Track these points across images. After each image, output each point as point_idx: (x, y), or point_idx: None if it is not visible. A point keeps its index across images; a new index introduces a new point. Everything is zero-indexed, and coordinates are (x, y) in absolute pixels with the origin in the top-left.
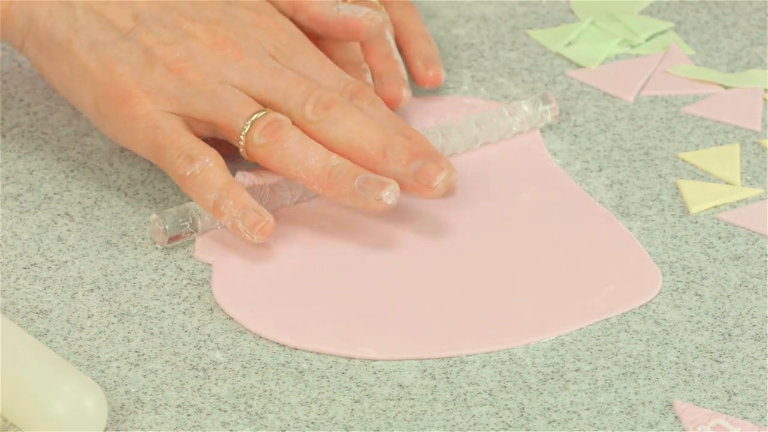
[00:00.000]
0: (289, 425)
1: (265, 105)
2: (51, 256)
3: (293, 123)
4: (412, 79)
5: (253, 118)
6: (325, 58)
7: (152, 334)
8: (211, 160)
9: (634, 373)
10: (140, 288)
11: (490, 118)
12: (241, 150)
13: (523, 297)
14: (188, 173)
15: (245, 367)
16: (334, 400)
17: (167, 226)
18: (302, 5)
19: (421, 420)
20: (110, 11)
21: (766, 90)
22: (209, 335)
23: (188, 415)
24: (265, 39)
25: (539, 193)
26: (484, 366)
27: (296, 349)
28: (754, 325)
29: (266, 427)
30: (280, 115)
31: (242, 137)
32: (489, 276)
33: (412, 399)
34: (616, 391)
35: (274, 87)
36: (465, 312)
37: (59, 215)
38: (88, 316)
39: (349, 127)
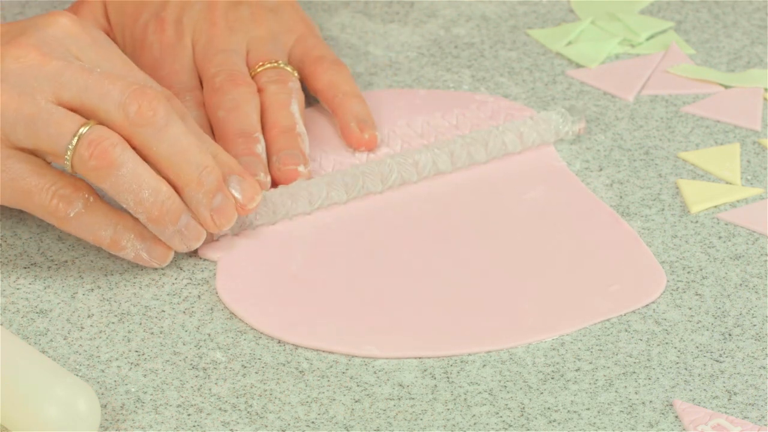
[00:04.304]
0: (289, 425)
1: (82, 111)
2: (51, 256)
3: (113, 126)
4: (346, 141)
5: (74, 140)
6: (131, 63)
7: (152, 333)
8: (89, 194)
9: (634, 372)
10: (140, 288)
11: (517, 131)
12: (67, 168)
13: (528, 295)
14: (72, 214)
15: (245, 367)
16: (334, 399)
17: None
18: None
19: (421, 420)
20: None
21: (766, 89)
22: (209, 335)
23: (188, 415)
24: (68, 40)
25: (546, 192)
26: (484, 366)
27: (299, 347)
28: (755, 325)
29: (266, 426)
30: (104, 130)
31: (68, 157)
32: (493, 274)
33: (413, 399)
34: (616, 391)
35: (86, 87)
36: (469, 310)
37: None
38: (88, 316)
39: (172, 141)
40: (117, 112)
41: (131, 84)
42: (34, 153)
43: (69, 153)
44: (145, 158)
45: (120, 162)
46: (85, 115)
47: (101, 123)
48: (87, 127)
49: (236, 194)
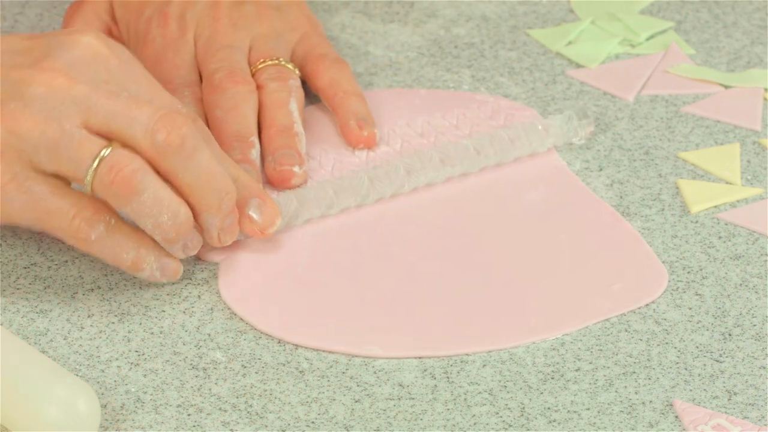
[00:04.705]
0: (289, 425)
1: (109, 136)
2: (51, 256)
3: (139, 151)
4: (345, 138)
5: (100, 155)
6: (157, 83)
7: (152, 333)
8: (111, 217)
9: (634, 372)
10: (140, 287)
11: (525, 135)
12: (87, 191)
13: (530, 295)
14: (94, 237)
15: (245, 367)
16: (334, 399)
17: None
18: None
19: (421, 420)
20: None
21: (766, 89)
22: (209, 335)
23: (188, 415)
24: (95, 63)
25: (547, 191)
26: (484, 366)
27: (299, 346)
28: (755, 325)
29: (266, 426)
30: (126, 153)
31: (88, 180)
32: (495, 274)
33: (413, 399)
34: (616, 391)
35: (113, 112)
36: (471, 310)
37: None
38: (88, 316)
39: (197, 169)
40: (144, 139)
41: (159, 109)
42: (56, 176)
43: (89, 176)
44: (167, 181)
45: (141, 188)
46: (112, 140)
47: (127, 147)
48: (108, 150)
49: (256, 217)
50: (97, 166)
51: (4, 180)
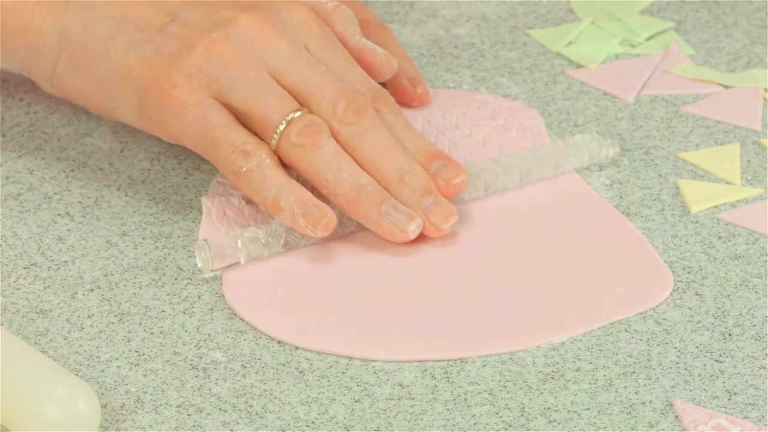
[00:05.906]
0: (289, 425)
1: (295, 95)
2: (51, 256)
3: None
4: (399, 98)
5: (289, 117)
6: (352, 59)
7: (152, 333)
8: (267, 156)
9: (634, 372)
10: (140, 288)
11: (550, 156)
12: (272, 145)
13: (534, 298)
14: (244, 169)
15: (245, 367)
16: (334, 399)
17: (211, 253)
18: (327, 21)
19: (421, 420)
20: (144, 11)
21: (766, 89)
22: (209, 335)
23: (188, 415)
24: (301, 28)
25: (551, 194)
26: (484, 366)
27: (306, 349)
28: (755, 325)
29: (266, 426)
30: (318, 118)
31: (277, 134)
32: (500, 277)
33: (413, 399)
34: (616, 391)
35: (306, 78)
36: (476, 314)
37: (59, 215)
38: (88, 316)
39: (375, 143)
40: (327, 108)
41: (347, 88)
42: (239, 113)
43: (280, 127)
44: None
45: (325, 143)
46: (295, 96)
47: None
48: (300, 112)
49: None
50: (290, 121)
51: (187, 102)
